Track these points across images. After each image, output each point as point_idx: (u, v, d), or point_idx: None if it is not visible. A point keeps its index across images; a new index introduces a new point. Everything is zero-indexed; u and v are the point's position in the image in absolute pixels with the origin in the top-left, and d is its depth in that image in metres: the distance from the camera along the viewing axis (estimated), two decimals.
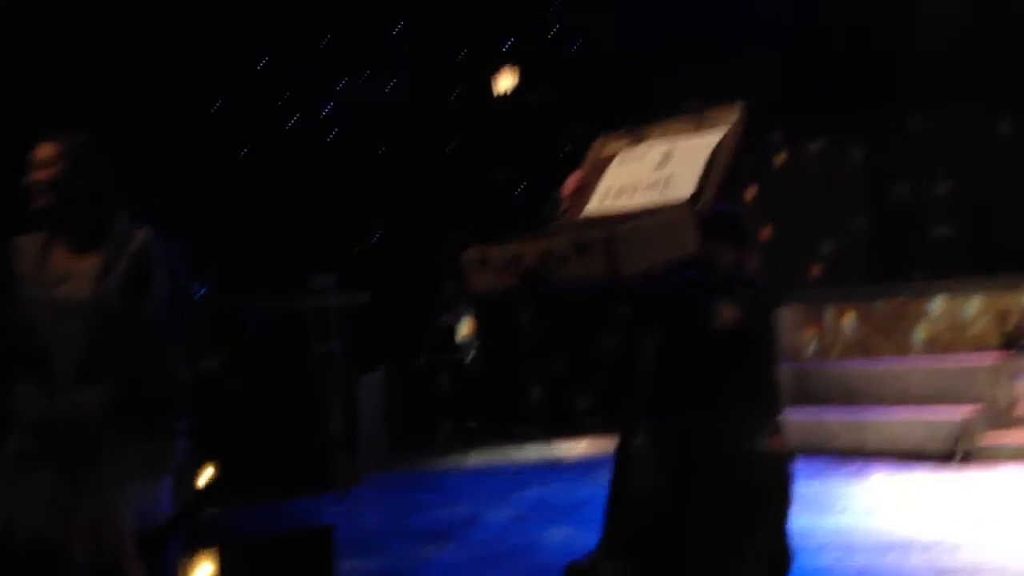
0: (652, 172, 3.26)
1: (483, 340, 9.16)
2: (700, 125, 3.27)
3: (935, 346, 7.62)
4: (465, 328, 9.09)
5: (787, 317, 7.68)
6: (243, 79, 9.37)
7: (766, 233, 2.92)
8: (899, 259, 9.48)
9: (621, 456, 3.62)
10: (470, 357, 9.01)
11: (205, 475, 5.87)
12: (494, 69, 10.01)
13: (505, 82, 10.00)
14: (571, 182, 3.40)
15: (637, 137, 3.42)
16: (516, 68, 10.00)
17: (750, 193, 8.62)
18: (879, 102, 9.37)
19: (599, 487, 4.16)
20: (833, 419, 6.94)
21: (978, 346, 7.40)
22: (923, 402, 6.76)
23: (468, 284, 3.03)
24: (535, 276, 2.84)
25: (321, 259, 8.25)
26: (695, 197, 3.03)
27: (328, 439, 6.61)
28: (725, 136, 3.17)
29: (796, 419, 6.54)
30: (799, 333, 7.92)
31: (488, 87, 10.03)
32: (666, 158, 3.27)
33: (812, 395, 7.40)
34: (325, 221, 9.40)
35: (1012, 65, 8.63)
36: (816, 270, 9.25)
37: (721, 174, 3.07)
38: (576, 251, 2.75)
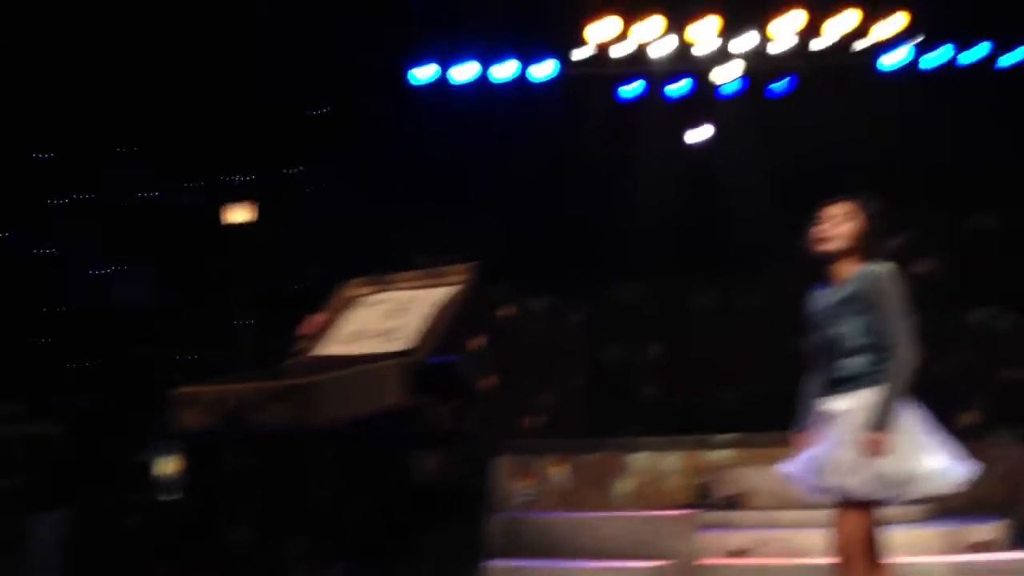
0: (382, 321, 3.37)
1: (188, 479, 8.71)
2: (433, 280, 3.43)
3: (636, 500, 7.96)
4: (168, 466, 8.63)
5: (503, 467, 7.81)
6: None
7: (489, 384, 3.00)
8: (612, 415, 10.00)
9: None
10: (170, 496, 8.52)
11: None
12: (228, 202, 9.93)
13: (237, 215, 9.91)
14: (312, 323, 3.45)
15: (379, 285, 3.54)
16: (251, 203, 9.97)
17: (474, 344, 8.82)
18: (597, 269, 10.06)
19: None
20: (535, 570, 7.01)
21: (674, 501, 7.79)
22: (618, 555, 6.96)
23: (179, 421, 3.05)
24: (235, 418, 2.89)
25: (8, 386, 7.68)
26: (409, 350, 3.13)
27: None
28: (453, 293, 3.30)
29: (501, 570, 6.59)
30: (512, 483, 8.05)
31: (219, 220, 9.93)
32: (396, 309, 3.39)
33: (521, 546, 7.45)
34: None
35: (710, 245, 9.62)
36: (535, 422, 9.53)
37: (441, 330, 3.18)
38: (271, 398, 2.85)
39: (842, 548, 3.76)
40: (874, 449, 3.61)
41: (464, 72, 9.48)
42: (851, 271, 3.88)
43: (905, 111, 9.02)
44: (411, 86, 9.55)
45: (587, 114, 9.77)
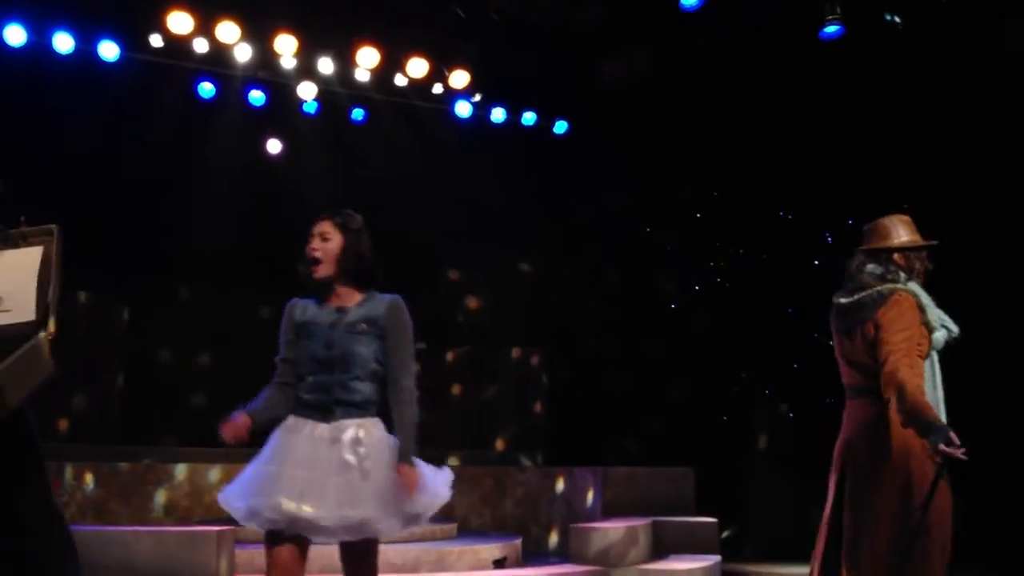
0: None
1: None
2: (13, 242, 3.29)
3: (174, 513, 7.65)
4: None
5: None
6: None
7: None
8: (153, 423, 9.49)
9: None
10: None
11: None
12: None
13: None
14: None
15: None
16: None
17: None
18: (148, 267, 9.49)
19: None
20: None
21: (214, 515, 7.60)
22: (151, 572, 6.61)
23: None
24: None
25: None
26: (41, 320, 3.10)
27: None
28: (46, 255, 3.23)
29: None
30: None
31: None
32: None
33: None
34: None
35: (274, 258, 9.50)
36: (64, 425, 8.77)
37: (55, 294, 3.17)
38: None
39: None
40: (411, 484, 3.53)
41: (17, 35, 8.50)
42: (355, 292, 3.78)
43: (471, 158, 9.68)
44: None
45: (159, 105, 9.26)
